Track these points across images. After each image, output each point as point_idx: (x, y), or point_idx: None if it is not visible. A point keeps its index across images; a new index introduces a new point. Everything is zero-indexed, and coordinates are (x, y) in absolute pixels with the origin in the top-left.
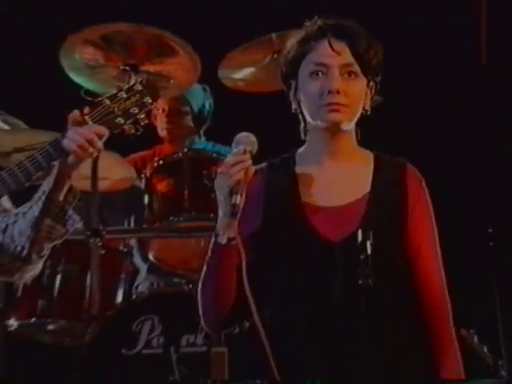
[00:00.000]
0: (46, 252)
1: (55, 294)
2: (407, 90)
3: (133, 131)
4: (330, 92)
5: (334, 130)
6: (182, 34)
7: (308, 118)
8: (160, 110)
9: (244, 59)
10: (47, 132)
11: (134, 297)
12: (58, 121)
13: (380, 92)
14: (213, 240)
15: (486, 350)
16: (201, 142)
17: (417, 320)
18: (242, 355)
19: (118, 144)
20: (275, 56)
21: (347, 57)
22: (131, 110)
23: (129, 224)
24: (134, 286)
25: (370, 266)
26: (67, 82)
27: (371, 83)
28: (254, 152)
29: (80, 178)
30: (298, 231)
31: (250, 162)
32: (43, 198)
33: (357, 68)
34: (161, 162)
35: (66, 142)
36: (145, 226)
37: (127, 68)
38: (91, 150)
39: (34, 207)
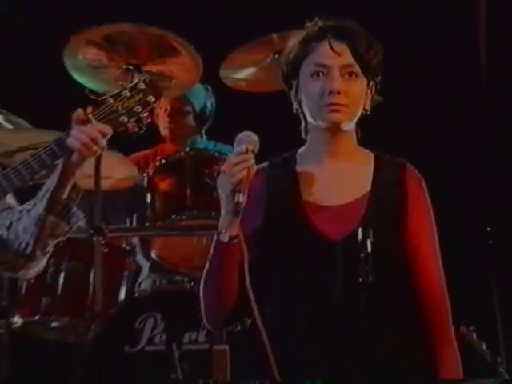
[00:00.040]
0: (50, 249)
1: (59, 291)
2: (407, 90)
3: (136, 130)
4: (330, 93)
5: (334, 129)
6: (184, 35)
7: (309, 118)
8: (162, 110)
9: (245, 59)
10: (50, 131)
11: (136, 294)
12: (61, 120)
13: (380, 92)
14: (215, 238)
15: (484, 346)
16: (202, 142)
17: (416, 318)
18: (243, 353)
19: (121, 143)
20: (276, 56)
21: (347, 58)
22: (134, 109)
23: (131, 222)
24: (137, 283)
25: (370, 265)
26: (70, 81)
27: (371, 83)
28: (255, 151)
29: (83, 177)
30: (298, 230)
31: (252, 161)
32: (47, 195)
33: (357, 68)
34: (163, 161)
35: (70, 141)
36: (147, 224)
37: (130, 67)
38: (95, 148)
39: (38, 204)
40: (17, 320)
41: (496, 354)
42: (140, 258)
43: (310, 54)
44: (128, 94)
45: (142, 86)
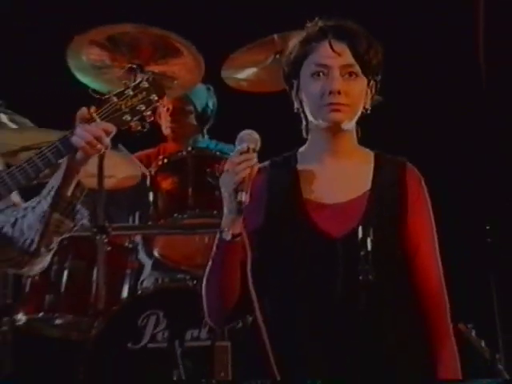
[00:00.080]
0: (55, 245)
1: (62, 289)
2: (407, 90)
3: (139, 128)
4: (331, 92)
5: (335, 129)
6: (186, 35)
7: (310, 117)
8: (164, 109)
9: (247, 60)
10: (53, 131)
11: (139, 292)
12: (64, 120)
13: (380, 92)
14: (218, 236)
15: (483, 344)
16: (204, 141)
17: (416, 315)
18: (244, 350)
19: (125, 142)
20: (277, 56)
21: (348, 57)
22: (138, 107)
23: (133, 221)
24: (140, 281)
25: (370, 263)
26: (74, 81)
27: (371, 83)
28: (257, 149)
29: (86, 176)
30: (299, 227)
31: (255, 160)
32: (52, 193)
33: (357, 68)
34: (165, 161)
35: (74, 139)
36: (150, 222)
37: (134, 66)
38: (99, 146)
39: (42, 202)
40: (21, 317)
41: (495, 351)
42: (142, 256)
43: (311, 54)
44: (131, 93)
45: (145, 84)
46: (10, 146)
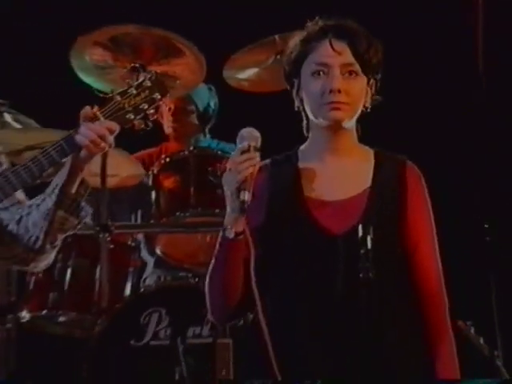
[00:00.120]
0: (59, 242)
1: (66, 287)
2: (407, 89)
3: (142, 126)
4: (331, 91)
5: (335, 127)
6: (188, 36)
7: (310, 116)
8: (166, 109)
9: (248, 60)
10: (57, 131)
11: (141, 290)
12: (68, 120)
13: (380, 91)
14: (221, 234)
15: (482, 341)
16: (206, 140)
17: (415, 313)
18: (246, 347)
19: (127, 142)
20: (278, 57)
21: (348, 56)
22: (141, 106)
23: (135, 219)
24: (142, 279)
25: (371, 260)
26: (77, 82)
27: (371, 81)
28: (258, 147)
29: (90, 175)
30: (301, 225)
31: (258, 159)
32: (56, 190)
33: (357, 67)
34: (167, 160)
35: (78, 138)
36: (152, 221)
37: (137, 65)
38: (103, 144)
39: (47, 199)
40: (24, 315)
41: (493, 348)
42: (145, 254)
43: (311, 53)
44: (134, 92)
45: (148, 83)
46: (15, 145)
